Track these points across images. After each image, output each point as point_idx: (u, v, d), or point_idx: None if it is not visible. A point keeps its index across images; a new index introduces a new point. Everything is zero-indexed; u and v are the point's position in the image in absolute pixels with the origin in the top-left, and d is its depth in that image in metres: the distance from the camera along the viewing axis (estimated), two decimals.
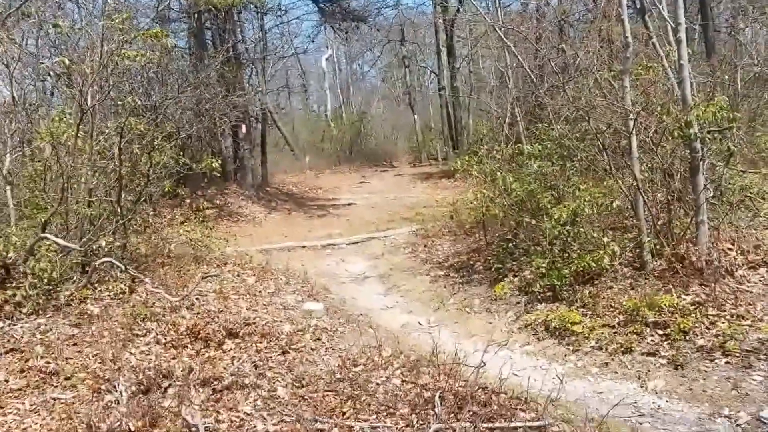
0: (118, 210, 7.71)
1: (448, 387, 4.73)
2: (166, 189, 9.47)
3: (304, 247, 12.50)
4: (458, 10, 26.43)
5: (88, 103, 7.38)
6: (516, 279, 8.33)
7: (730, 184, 8.44)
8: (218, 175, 15.15)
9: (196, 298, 7.12)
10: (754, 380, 5.22)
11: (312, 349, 6.09)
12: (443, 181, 21.04)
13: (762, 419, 4.68)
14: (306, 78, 40.61)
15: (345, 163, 29.63)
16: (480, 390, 4.75)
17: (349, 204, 18.65)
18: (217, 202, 16.05)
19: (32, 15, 9.37)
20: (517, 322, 7.39)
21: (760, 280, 6.71)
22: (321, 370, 5.47)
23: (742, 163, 9.33)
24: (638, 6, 12.31)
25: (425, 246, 11.52)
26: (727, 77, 11.45)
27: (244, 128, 18.04)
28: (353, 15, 21.68)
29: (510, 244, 9.24)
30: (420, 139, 32.85)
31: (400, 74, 38.09)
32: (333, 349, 6.15)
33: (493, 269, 9.03)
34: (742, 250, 7.19)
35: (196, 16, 17.39)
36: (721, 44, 15.91)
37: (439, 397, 4.53)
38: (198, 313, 6.67)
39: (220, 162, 9.67)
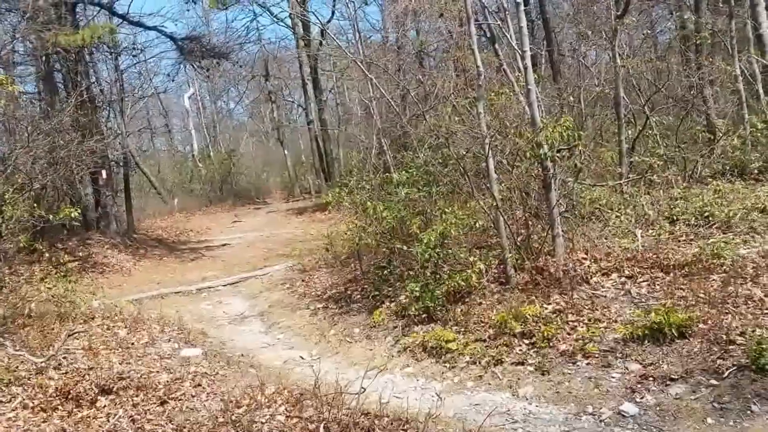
0: None
1: (332, 417, 4.77)
2: (22, 244, 8.89)
3: (178, 292, 12.10)
4: (321, 44, 26.81)
5: None
6: (393, 304, 8.49)
7: (580, 197, 9.02)
8: (79, 224, 14.32)
9: (64, 357, 6.70)
10: (613, 378, 5.62)
11: (192, 396, 5.90)
12: (317, 214, 21.15)
13: (623, 413, 5.07)
14: (169, 117, 39.56)
15: (216, 203, 29.09)
16: (363, 416, 4.82)
17: (224, 245, 18.30)
18: (80, 253, 15.10)
19: None
20: (396, 346, 7.54)
21: (612, 285, 7.22)
22: (203, 416, 5.32)
23: (591, 177, 10.00)
24: (488, 36, 13.11)
25: (303, 280, 11.50)
26: (572, 98, 12.45)
27: (104, 174, 17.18)
28: (214, 52, 21.31)
29: (385, 271, 9.42)
30: (292, 173, 32.84)
31: (268, 109, 37.99)
32: (214, 394, 6.00)
33: (370, 297, 9.15)
34: (596, 259, 7.72)
35: (43, 58, 16.45)
36: (566, 68, 17.22)
37: (324, 427, 4.57)
38: (66, 373, 6.27)
39: (79, 211, 9.22)
